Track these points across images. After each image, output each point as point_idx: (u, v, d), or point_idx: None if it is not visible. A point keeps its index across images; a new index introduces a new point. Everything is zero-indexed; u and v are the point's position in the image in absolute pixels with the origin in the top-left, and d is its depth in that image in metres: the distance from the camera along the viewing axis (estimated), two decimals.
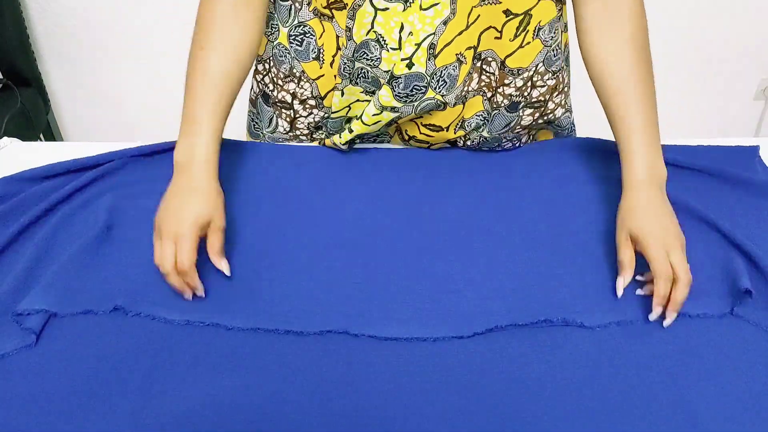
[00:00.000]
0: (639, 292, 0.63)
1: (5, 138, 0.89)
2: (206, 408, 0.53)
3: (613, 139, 0.72)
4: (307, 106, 0.83)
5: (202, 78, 0.69)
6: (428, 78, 0.73)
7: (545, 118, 0.85)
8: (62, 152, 0.83)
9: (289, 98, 0.83)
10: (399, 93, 0.73)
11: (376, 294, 0.63)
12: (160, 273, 0.62)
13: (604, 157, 0.81)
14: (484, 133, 0.82)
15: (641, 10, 0.71)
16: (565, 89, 0.85)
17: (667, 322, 0.60)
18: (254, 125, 0.91)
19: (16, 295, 0.62)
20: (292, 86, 0.82)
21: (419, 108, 0.75)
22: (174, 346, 0.58)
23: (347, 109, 0.81)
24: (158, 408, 0.53)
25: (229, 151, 0.81)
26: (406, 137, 0.84)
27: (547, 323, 0.60)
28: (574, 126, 0.91)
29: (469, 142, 0.83)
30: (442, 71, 0.72)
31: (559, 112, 0.85)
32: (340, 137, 0.81)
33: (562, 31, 0.80)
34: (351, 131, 0.80)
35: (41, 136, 1.88)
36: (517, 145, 0.87)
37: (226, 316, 0.61)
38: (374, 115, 0.76)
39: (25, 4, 1.78)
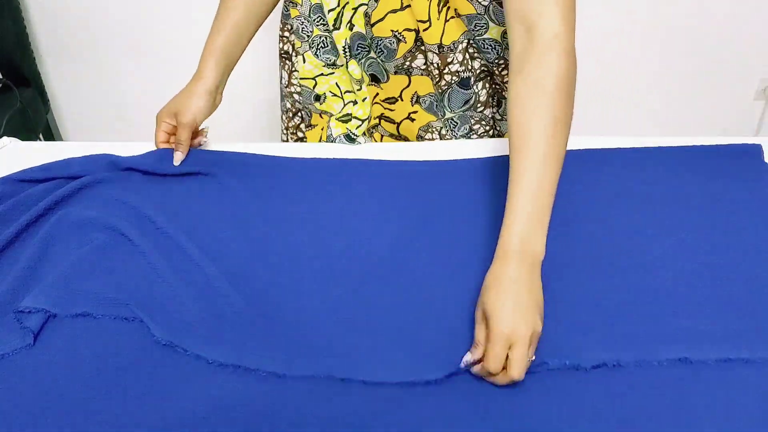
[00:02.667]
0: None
1: (5, 138, 0.89)
2: (206, 409, 0.53)
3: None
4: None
5: (219, 29, 0.82)
6: (368, 41, 0.81)
7: (501, 92, 0.87)
8: (62, 152, 0.82)
9: (290, 50, 0.91)
10: (352, 54, 0.83)
11: (363, 333, 0.59)
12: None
13: (607, 172, 0.78)
14: (448, 113, 0.86)
15: (567, 73, 0.63)
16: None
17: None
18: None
19: (16, 295, 0.62)
20: (293, 37, 0.90)
21: (366, 65, 0.84)
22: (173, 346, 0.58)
23: (313, 81, 0.88)
24: (157, 409, 0.53)
25: (225, 165, 0.81)
26: (376, 121, 0.90)
27: (543, 366, 0.56)
28: None
29: (440, 126, 0.87)
30: (379, 41, 0.81)
31: None
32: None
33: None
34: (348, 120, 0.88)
35: (41, 135, 1.88)
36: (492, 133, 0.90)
37: (208, 348, 0.58)
38: (364, 99, 0.86)
39: (25, 3, 1.78)
